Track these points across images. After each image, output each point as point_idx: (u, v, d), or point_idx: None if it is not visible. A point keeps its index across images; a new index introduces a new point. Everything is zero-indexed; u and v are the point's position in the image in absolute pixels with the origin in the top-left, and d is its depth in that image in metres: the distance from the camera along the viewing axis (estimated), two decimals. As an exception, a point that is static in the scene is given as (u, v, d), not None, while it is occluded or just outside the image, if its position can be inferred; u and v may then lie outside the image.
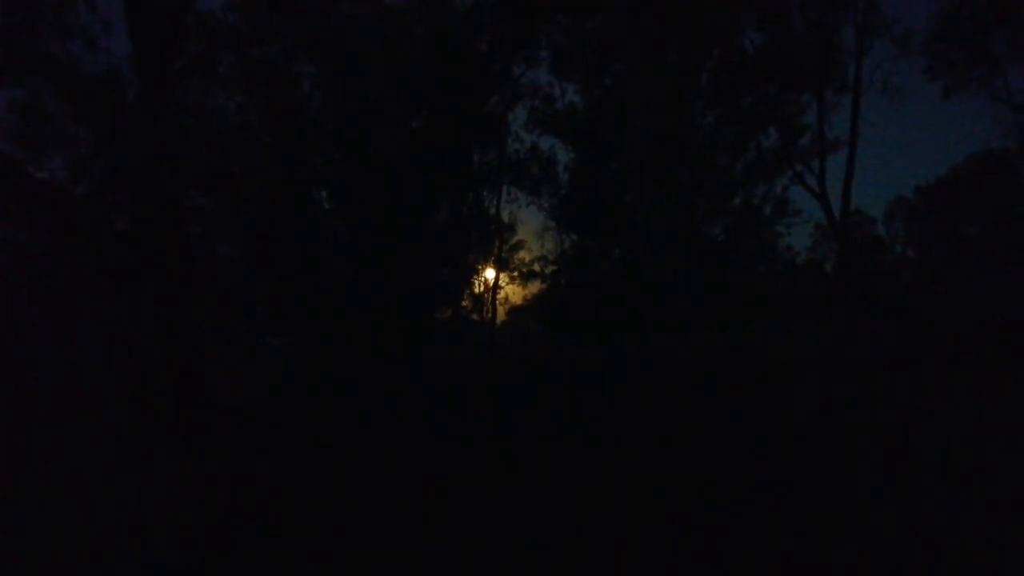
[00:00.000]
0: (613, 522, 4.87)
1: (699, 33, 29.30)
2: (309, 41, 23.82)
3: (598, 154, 37.09)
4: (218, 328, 25.23)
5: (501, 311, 43.10)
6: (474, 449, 7.84)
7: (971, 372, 12.36)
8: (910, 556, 3.95)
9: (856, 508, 4.97)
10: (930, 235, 38.79)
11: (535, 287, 42.41)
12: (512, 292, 42.24)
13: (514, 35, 26.90)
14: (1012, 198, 32.29)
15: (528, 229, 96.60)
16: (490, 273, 37.10)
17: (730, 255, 38.71)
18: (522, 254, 43.99)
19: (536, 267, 43.59)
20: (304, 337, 24.95)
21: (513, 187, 38.26)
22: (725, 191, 38.24)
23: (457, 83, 25.36)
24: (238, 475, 7.07)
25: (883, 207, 50.96)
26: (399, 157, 25.04)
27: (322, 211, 26.68)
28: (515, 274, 43.14)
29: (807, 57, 23.37)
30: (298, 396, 14.08)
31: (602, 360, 20.65)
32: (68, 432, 10.30)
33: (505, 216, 40.81)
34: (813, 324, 29.43)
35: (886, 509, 4.88)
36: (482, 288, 37.96)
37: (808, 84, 25.07)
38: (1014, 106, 24.04)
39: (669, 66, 31.94)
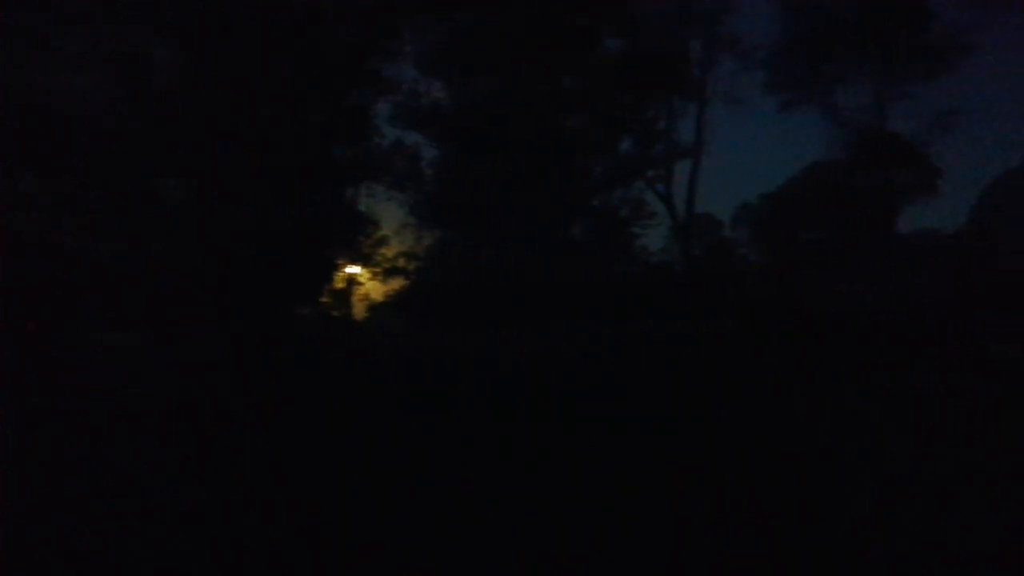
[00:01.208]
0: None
1: (561, 38, 29.97)
2: (163, 23, 22.52)
3: (464, 151, 37.20)
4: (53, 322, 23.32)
5: (362, 308, 42.36)
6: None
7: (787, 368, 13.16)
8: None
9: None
10: (772, 239, 41.06)
11: (398, 283, 41.92)
12: (374, 288, 41.57)
13: (379, 31, 26.56)
14: (845, 206, 34.84)
15: (392, 224, 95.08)
16: (352, 268, 36.38)
17: (590, 254, 39.74)
18: (385, 249, 43.34)
19: (400, 263, 43.08)
20: (151, 334, 23.52)
21: (376, 182, 37.72)
22: (586, 192, 39.25)
23: (319, 74, 24.73)
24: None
25: (732, 212, 53.90)
26: (256, 147, 24.13)
27: (174, 200, 25.28)
28: (378, 270, 42.48)
29: (659, 67, 24.41)
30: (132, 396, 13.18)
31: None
32: None
33: (368, 210, 40.10)
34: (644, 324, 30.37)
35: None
36: (343, 284, 37.15)
37: (660, 92, 26.16)
38: (842, 122, 26.05)
39: (533, 69, 32.48)
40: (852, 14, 25.51)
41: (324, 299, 34.08)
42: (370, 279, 41.79)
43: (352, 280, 37.74)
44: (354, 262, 36.30)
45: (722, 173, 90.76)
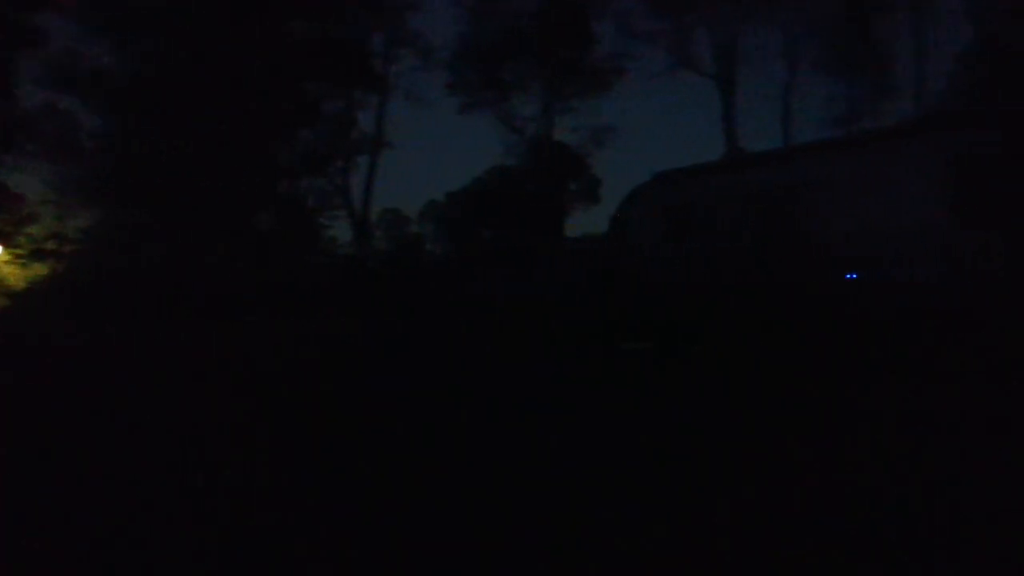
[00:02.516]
0: None
1: (249, 17, 28.25)
2: None
3: (135, 125, 33.50)
4: None
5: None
6: None
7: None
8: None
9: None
10: (456, 237, 42.56)
11: (46, 268, 36.43)
12: (13, 273, 35.73)
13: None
14: (520, 209, 37.22)
15: (41, 200, 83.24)
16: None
17: (276, 245, 38.12)
18: (32, 229, 37.50)
19: (50, 245, 37.52)
20: None
21: (19, 151, 32.60)
22: (273, 179, 37.58)
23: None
24: None
25: (420, 208, 55.31)
26: None
27: None
28: (21, 252, 36.60)
29: (344, 57, 24.02)
30: None
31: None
32: None
33: (9, 182, 34.53)
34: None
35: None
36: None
37: (345, 83, 25.77)
38: (516, 129, 27.82)
39: (212, 38, 30.20)
40: (526, 27, 27.35)
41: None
42: (9, 262, 35.85)
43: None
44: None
45: (412, 170, 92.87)
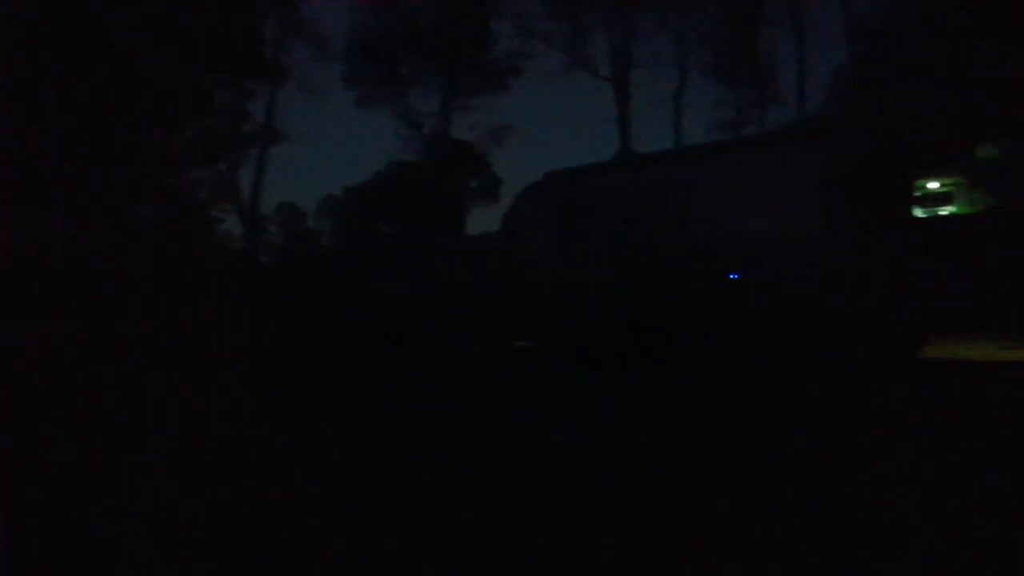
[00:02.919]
0: None
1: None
2: None
3: (3, 108, 31.21)
4: None
5: None
6: None
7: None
8: None
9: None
10: (354, 232, 41.80)
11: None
12: None
13: None
14: (420, 205, 36.83)
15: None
16: None
17: (162, 237, 36.40)
18: None
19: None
20: None
21: None
22: (158, 169, 35.83)
23: None
24: None
25: (317, 202, 53.95)
26: None
27: None
28: None
29: (234, 44, 23.04)
30: None
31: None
32: None
33: None
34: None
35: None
36: None
37: (235, 71, 24.75)
38: (414, 124, 27.42)
39: (97, 27, 28.48)
40: (424, 22, 27.00)
41: None
42: None
43: None
44: None
45: (310, 164, 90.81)
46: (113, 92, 30.26)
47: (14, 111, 31.28)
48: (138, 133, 33.11)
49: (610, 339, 10.67)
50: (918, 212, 9.64)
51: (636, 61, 30.99)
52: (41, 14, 29.23)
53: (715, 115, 31.36)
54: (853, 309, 8.69)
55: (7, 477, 5.16)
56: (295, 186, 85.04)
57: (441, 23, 27.71)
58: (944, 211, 9.56)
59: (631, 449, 4.98)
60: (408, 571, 2.80)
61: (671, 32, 30.08)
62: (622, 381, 8.99)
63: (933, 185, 9.70)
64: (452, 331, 12.09)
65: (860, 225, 8.75)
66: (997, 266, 7.98)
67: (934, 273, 8.29)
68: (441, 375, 9.87)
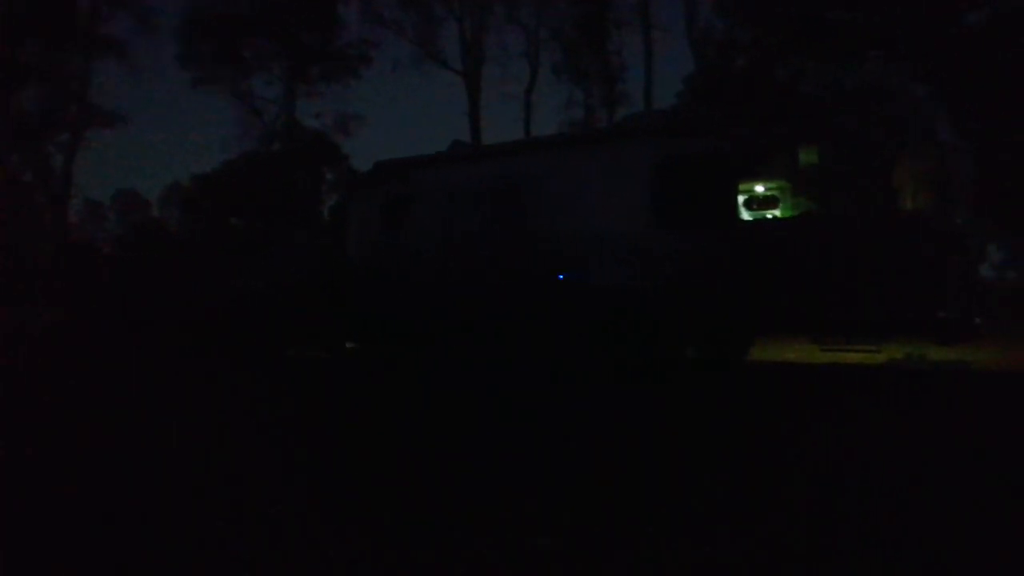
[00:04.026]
0: None
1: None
2: None
3: None
4: None
5: None
6: None
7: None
8: None
9: None
10: (203, 223, 39.45)
11: None
12: None
13: None
14: (272, 197, 34.94)
15: None
16: None
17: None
18: None
19: None
20: None
21: None
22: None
23: None
24: None
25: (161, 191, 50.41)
26: None
27: None
28: None
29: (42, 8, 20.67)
30: None
31: None
32: None
33: None
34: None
35: None
36: None
37: (41, 37, 22.24)
38: (255, 110, 25.63)
39: None
40: (265, 1, 25.28)
41: None
42: None
43: None
44: None
45: (151, 150, 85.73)
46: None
47: None
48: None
49: (426, 340, 10.14)
50: (745, 215, 9.64)
51: (487, 55, 30.50)
52: None
53: (566, 114, 31.36)
54: (679, 312, 8.47)
55: None
56: (138, 173, 79.30)
57: (283, 2, 25.97)
58: (769, 215, 9.60)
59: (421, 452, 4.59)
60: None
61: (522, 27, 29.87)
62: (434, 385, 8.50)
63: (759, 189, 9.71)
64: (267, 331, 11.15)
65: (689, 227, 8.53)
66: (817, 269, 7.96)
67: (759, 276, 8.17)
68: (211, 380, 9.03)
